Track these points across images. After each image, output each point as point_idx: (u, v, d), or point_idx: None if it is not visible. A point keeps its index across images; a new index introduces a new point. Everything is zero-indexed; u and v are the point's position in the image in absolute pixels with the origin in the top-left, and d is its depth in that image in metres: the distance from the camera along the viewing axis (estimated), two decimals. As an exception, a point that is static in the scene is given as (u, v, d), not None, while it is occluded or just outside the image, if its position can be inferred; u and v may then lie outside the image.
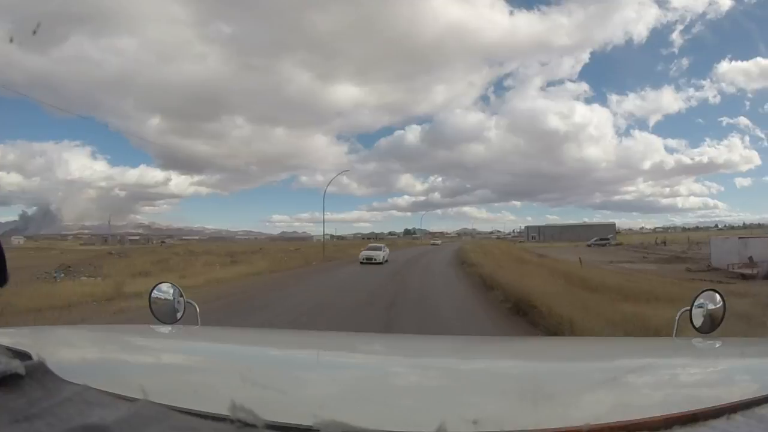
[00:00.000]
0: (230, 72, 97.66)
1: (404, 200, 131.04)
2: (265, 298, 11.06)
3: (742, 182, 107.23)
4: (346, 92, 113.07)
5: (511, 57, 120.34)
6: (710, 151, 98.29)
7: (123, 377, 0.84)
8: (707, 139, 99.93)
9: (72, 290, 12.12)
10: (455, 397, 0.82)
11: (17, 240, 73.96)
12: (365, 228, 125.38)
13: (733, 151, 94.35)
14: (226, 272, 18.55)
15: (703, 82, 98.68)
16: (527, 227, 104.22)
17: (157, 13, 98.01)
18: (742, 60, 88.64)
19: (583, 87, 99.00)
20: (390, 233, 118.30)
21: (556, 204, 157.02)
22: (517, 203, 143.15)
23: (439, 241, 79.82)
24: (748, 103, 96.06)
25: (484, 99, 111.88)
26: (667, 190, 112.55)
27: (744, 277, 19.22)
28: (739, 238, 25.69)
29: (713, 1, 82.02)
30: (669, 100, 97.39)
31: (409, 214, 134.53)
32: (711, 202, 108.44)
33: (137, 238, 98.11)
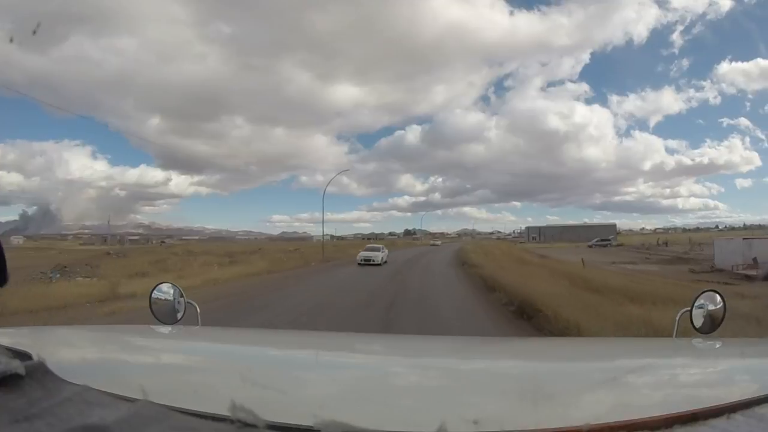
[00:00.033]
0: (230, 72, 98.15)
1: (404, 200, 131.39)
2: (263, 299, 10.95)
3: (742, 183, 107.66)
4: (345, 92, 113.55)
5: (511, 57, 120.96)
6: (711, 152, 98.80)
7: (123, 377, 0.84)
8: (708, 140, 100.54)
9: (66, 291, 12.02)
10: (455, 397, 0.82)
11: (16, 240, 73.98)
12: (365, 228, 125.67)
13: (734, 152, 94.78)
14: (223, 273, 18.44)
15: (704, 83, 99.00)
16: (528, 228, 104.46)
17: (156, 13, 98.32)
18: (742, 61, 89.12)
19: (584, 87, 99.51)
20: (390, 234, 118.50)
21: (556, 204, 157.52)
22: (517, 204, 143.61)
23: (438, 242, 79.41)
24: (748, 104, 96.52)
25: (484, 99, 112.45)
26: (668, 191, 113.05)
27: (749, 278, 19.12)
28: (744, 239, 25.62)
29: (713, 1, 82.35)
30: (669, 100, 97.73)
31: (409, 214, 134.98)
32: (711, 203, 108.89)
33: (137, 238, 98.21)
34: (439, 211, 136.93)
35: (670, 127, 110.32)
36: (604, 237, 63.54)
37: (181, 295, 1.61)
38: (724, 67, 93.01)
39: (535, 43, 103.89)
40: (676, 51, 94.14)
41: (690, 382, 1.01)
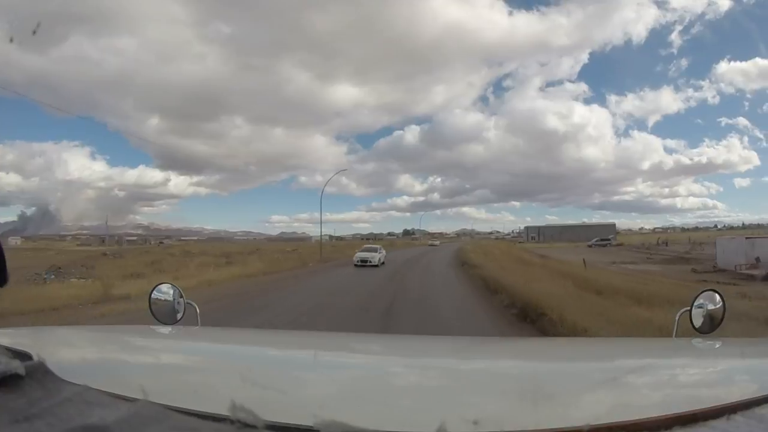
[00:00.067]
0: (229, 72, 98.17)
1: (403, 201, 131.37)
2: (259, 301, 10.79)
3: (741, 182, 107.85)
4: (345, 92, 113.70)
5: (511, 57, 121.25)
6: (709, 152, 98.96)
7: (123, 377, 0.84)
8: (706, 140, 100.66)
9: (59, 292, 11.86)
10: (455, 398, 0.82)
11: (14, 240, 73.81)
12: (364, 228, 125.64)
13: (732, 151, 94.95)
14: (219, 274, 18.24)
15: (702, 83, 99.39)
16: (527, 227, 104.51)
17: (156, 13, 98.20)
18: (740, 60, 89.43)
19: (582, 87, 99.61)
20: (389, 234, 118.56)
21: (555, 204, 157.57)
22: (516, 203, 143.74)
23: (437, 242, 78.63)
24: (747, 103, 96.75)
25: (483, 99, 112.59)
26: (666, 190, 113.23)
27: (752, 278, 18.95)
28: (746, 238, 25.38)
29: (712, 1, 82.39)
30: (668, 100, 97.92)
31: (408, 214, 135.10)
32: (710, 202, 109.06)
33: (135, 238, 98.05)
34: (438, 212, 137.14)
35: (668, 126, 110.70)
36: (603, 237, 63.55)
37: (181, 296, 1.61)
38: (723, 67, 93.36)
39: (534, 43, 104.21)
40: (674, 51, 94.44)
41: (690, 383, 1.01)
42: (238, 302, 10.71)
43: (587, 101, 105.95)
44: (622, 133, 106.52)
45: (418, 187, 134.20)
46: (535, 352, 1.48)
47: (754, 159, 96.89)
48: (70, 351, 1.22)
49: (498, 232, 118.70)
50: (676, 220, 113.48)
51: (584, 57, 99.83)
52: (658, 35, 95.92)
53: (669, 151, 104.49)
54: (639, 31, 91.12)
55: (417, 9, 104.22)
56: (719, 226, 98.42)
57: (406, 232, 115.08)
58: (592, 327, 6.17)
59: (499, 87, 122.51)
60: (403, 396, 0.86)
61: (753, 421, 0.62)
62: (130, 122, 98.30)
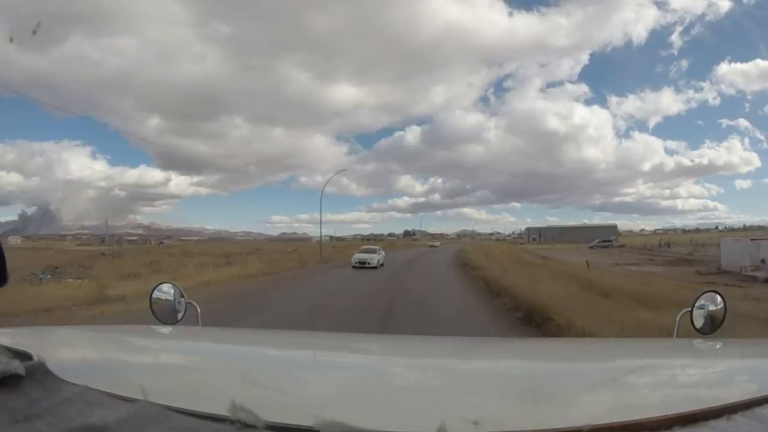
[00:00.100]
0: (229, 72, 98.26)
1: (404, 201, 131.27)
2: (258, 302, 10.67)
3: (741, 184, 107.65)
4: (345, 92, 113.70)
5: (511, 58, 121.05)
6: (710, 153, 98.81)
7: (123, 377, 0.84)
8: (707, 141, 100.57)
9: (53, 293, 11.65)
10: (455, 398, 0.82)
11: (14, 240, 73.81)
12: (365, 229, 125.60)
13: (733, 152, 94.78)
14: (218, 274, 18.05)
15: (703, 84, 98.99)
16: (528, 228, 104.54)
17: (156, 13, 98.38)
18: (741, 62, 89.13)
19: (583, 88, 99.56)
20: (389, 234, 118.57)
21: (555, 205, 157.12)
22: (517, 204, 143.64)
23: (437, 243, 77.92)
24: (747, 104, 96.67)
25: (483, 100, 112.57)
26: (667, 191, 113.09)
27: (758, 280, 18.45)
28: (752, 239, 25.02)
29: (712, 2, 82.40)
30: (668, 101, 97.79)
31: (408, 215, 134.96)
32: (711, 203, 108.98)
33: (135, 238, 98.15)
34: (438, 212, 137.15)
35: (669, 128, 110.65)
36: (605, 238, 63.39)
37: (182, 296, 1.61)
38: (724, 68, 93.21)
39: (535, 43, 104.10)
40: (675, 52, 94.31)
41: (690, 383, 1.01)
42: (236, 303, 10.53)
43: (588, 102, 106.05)
44: (623, 134, 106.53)
45: (419, 187, 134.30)
46: (535, 352, 1.48)
47: (755, 160, 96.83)
48: (70, 351, 1.22)
49: (498, 233, 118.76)
50: (677, 222, 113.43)
51: (584, 58, 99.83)
52: (658, 36, 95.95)
53: (670, 152, 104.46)
54: (639, 32, 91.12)
55: (417, 9, 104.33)
56: (720, 228, 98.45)
57: (407, 233, 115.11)
58: (600, 332, 5.95)
59: (499, 87, 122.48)
60: (403, 396, 0.86)
61: (753, 422, 0.62)
62: (131, 122, 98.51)
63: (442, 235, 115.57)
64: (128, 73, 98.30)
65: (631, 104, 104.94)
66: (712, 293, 1.47)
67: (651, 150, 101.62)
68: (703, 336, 1.40)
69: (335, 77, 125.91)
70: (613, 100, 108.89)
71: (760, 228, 73.39)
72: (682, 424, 0.60)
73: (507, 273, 14.75)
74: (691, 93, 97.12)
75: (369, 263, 22.01)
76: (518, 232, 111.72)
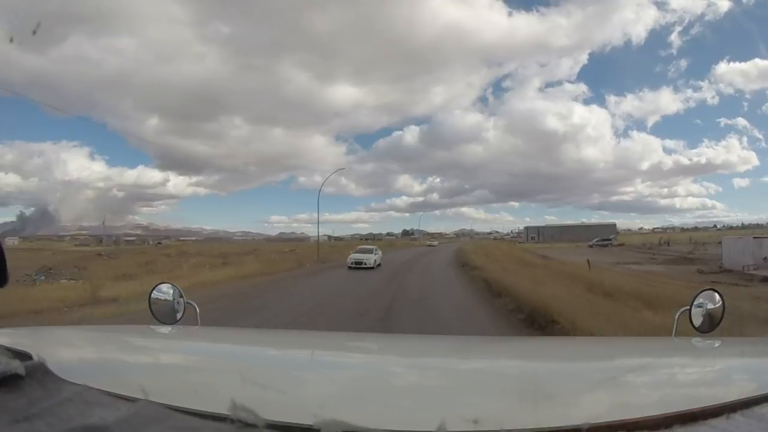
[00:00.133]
0: (229, 72, 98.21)
1: (402, 201, 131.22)
2: (252, 303, 10.51)
3: (740, 183, 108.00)
4: (344, 93, 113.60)
5: (510, 58, 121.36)
6: (708, 152, 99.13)
7: (123, 377, 0.84)
8: (705, 140, 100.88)
9: (46, 294, 11.39)
10: (455, 397, 0.82)
11: (11, 241, 73.42)
12: (363, 229, 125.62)
13: (731, 151, 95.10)
14: (213, 275, 17.77)
15: (701, 83, 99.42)
16: (527, 228, 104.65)
17: (155, 13, 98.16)
18: (740, 61, 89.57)
19: (582, 88, 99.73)
20: (388, 234, 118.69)
21: (554, 204, 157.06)
22: (515, 204, 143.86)
23: (435, 242, 77.09)
24: (746, 104, 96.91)
25: (482, 100, 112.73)
26: (665, 190, 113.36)
27: (762, 279, 18.38)
28: (754, 237, 24.81)
29: (711, 2, 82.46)
30: (667, 101, 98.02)
31: (407, 214, 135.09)
32: (709, 202, 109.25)
33: (133, 239, 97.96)
34: (437, 212, 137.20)
35: (667, 127, 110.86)
36: (604, 237, 63.41)
37: (181, 296, 1.61)
38: (722, 68, 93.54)
39: (534, 44, 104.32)
40: (674, 52, 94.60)
41: (689, 382, 1.01)
42: (232, 304, 10.32)
43: (586, 102, 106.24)
44: (622, 134, 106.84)
45: (418, 187, 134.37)
46: (535, 352, 1.48)
47: (753, 159, 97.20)
48: (70, 351, 1.22)
49: (497, 232, 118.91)
50: (675, 220, 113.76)
51: (584, 58, 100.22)
52: (657, 36, 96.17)
53: (668, 151, 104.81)
54: (638, 32, 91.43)
55: (416, 9, 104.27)
56: (718, 226, 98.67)
57: (406, 233, 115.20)
58: (606, 335, 5.64)
59: (498, 87, 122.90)
60: (403, 395, 0.86)
61: (752, 420, 0.62)
62: (130, 122, 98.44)
63: (440, 234, 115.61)
64: (127, 73, 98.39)
65: (629, 104, 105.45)
66: (710, 291, 1.47)
67: (649, 149, 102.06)
68: (701, 335, 1.40)
69: (335, 77, 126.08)
70: (612, 99, 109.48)
71: (758, 226, 73.59)
72: (682, 423, 0.60)
73: (508, 273, 14.58)
74: (689, 92, 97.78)
75: (365, 264, 21.33)
76: (517, 231, 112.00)
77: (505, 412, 0.70)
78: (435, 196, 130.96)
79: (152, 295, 1.60)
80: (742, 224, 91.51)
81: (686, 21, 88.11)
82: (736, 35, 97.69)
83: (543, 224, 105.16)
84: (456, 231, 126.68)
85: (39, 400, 0.53)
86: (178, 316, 1.58)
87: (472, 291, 13.16)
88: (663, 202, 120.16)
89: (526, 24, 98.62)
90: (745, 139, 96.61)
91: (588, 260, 21.05)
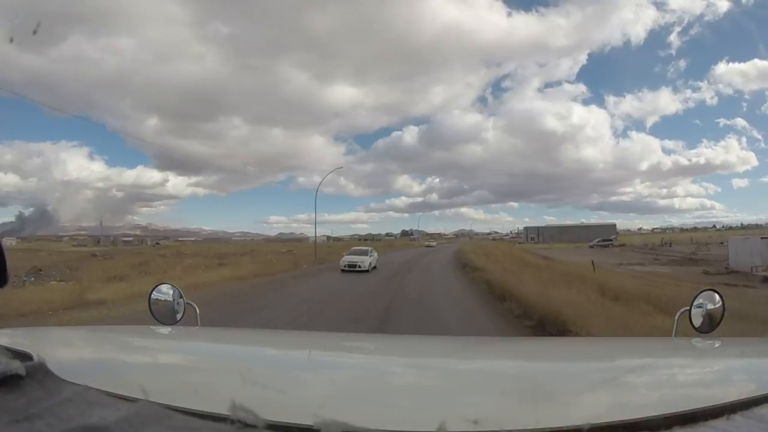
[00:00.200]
0: (228, 72, 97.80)
1: (402, 201, 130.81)
2: (252, 304, 10.38)
3: (739, 183, 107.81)
4: (343, 93, 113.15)
5: (509, 58, 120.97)
6: (707, 152, 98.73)
7: (123, 377, 0.84)
8: (704, 141, 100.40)
9: (32, 296, 10.94)
10: (455, 397, 0.82)
11: (9, 241, 73.12)
12: (363, 229, 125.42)
13: (730, 152, 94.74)
14: (208, 276, 17.42)
15: (701, 84, 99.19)
16: (526, 228, 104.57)
17: (154, 12, 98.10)
18: (739, 61, 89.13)
19: (581, 88, 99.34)
20: (387, 234, 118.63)
21: (553, 205, 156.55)
22: (515, 204, 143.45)
23: (434, 243, 76.12)
24: (745, 104, 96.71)
25: (481, 100, 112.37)
26: (665, 191, 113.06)
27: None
28: (762, 238, 24.15)
29: (711, 2, 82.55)
30: (666, 101, 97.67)
31: (406, 215, 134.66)
32: (708, 203, 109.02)
33: (131, 239, 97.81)
34: (436, 212, 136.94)
35: (666, 127, 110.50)
36: (604, 237, 63.32)
37: (181, 296, 1.61)
38: (721, 68, 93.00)
39: (533, 44, 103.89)
40: (673, 52, 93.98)
41: (689, 382, 1.01)
42: (228, 305, 10.06)
43: (586, 102, 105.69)
44: (621, 134, 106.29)
45: (417, 187, 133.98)
46: (535, 352, 1.48)
47: (752, 160, 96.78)
48: (70, 351, 1.22)
49: (496, 232, 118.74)
50: (674, 221, 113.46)
51: (583, 58, 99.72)
52: (656, 36, 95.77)
53: (667, 151, 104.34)
54: (637, 33, 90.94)
55: (415, 9, 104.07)
56: (718, 227, 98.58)
57: (405, 233, 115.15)
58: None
59: (497, 88, 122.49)
60: (403, 395, 0.86)
61: (752, 421, 0.62)
62: (129, 122, 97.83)
63: (439, 235, 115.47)
64: (126, 73, 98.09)
65: (628, 104, 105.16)
66: (710, 292, 1.47)
67: (648, 149, 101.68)
68: (701, 335, 1.40)
69: (334, 77, 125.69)
70: (611, 100, 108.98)
71: (757, 226, 73.58)
72: (682, 424, 0.60)
73: (510, 275, 14.14)
74: (688, 93, 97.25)
75: (360, 266, 20.10)
76: (516, 231, 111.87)
77: (505, 412, 0.70)
78: (434, 196, 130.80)
79: (152, 295, 1.60)
80: (742, 225, 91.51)
81: (685, 21, 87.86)
82: (735, 35, 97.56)
83: (542, 224, 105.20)
84: (455, 231, 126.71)
85: (39, 400, 0.53)
86: (178, 316, 1.58)
87: (474, 295, 12.66)
88: (662, 202, 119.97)
89: (525, 24, 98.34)
90: (744, 139, 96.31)
91: (593, 261, 20.07)
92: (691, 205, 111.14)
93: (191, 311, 1.60)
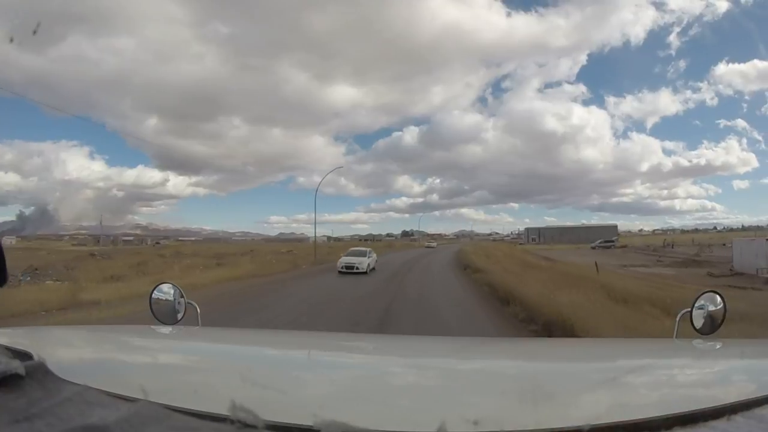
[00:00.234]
0: (227, 72, 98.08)
1: (402, 202, 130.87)
2: (236, 311, 9.97)
3: (739, 184, 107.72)
4: (343, 93, 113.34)
5: (509, 58, 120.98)
6: (708, 154, 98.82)
7: (123, 377, 0.84)
8: (705, 142, 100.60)
9: (26, 296, 10.76)
10: (455, 397, 0.82)
11: (9, 240, 73.07)
12: (363, 229, 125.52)
13: (731, 153, 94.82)
14: (206, 276, 17.12)
15: (701, 84, 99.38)
16: (527, 229, 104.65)
17: (154, 12, 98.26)
18: (739, 62, 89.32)
19: (581, 89, 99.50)
20: (388, 235, 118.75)
21: (553, 206, 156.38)
22: (515, 205, 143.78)
23: (434, 243, 74.87)
24: (745, 105, 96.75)
25: (481, 100, 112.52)
26: (665, 192, 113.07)
27: None
28: (767, 240, 23.63)
29: (710, 3, 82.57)
30: (666, 102, 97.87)
31: (407, 215, 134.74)
32: (709, 204, 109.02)
33: (131, 239, 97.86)
34: (436, 213, 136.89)
35: (667, 128, 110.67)
36: (605, 238, 63.14)
37: (182, 296, 1.61)
38: (721, 69, 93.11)
39: (533, 44, 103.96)
40: (673, 52, 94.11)
41: (690, 383, 1.01)
42: (223, 308, 9.69)
43: (585, 102, 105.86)
44: (621, 135, 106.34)
45: (417, 188, 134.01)
46: (535, 352, 1.48)
47: (753, 161, 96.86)
48: (70, 351, 1.22)
49: (497, 233, 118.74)
50: (675, 222, 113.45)
51: (582, 58, 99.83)
52: (656, 37, 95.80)
53: (667, 152, 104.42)
54: (637, 33, 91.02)
55: (415, 9, 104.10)
56: (718, 228, 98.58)
57: (405, 233, 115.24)
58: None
59: (497, 88, 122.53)
60: (403, 396, 0.86)
61: (753, 422, 0.62)
62: (129, 122, 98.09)
63: (440, 235, 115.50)
64: (126, 73, 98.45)
65: (629, 105, 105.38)
66: (711, 294, 1.48)
67: (649, 150, 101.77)
68: (702, 336, 1.40)
69: (333, 78, 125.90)
70: (611, 100, 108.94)
71: (758, 228, 73.43)
72: (682, 425, 0.60)
73: (513, 276, 13.94)
74: (688, 93, 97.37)
75: (357, 267, 19.44)
76: (516, 232, 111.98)
77: (505, 412, 0.70)
78: (434, 196, 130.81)
79: (153, 295, 1.60)
80: (743, 226, 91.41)
81: (685, 22, 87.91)
82: (735, 36, 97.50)
83: (542, 225, 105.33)
84: (456, 232, 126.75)
85: (39, 400, 0.53)
86: (179, 316, 1.58)
87: (477, 298, 12.39)
88: (663, 203, 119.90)
89: (524, 24, 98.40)
90: (744, 140, 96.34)
91: (596, 263, 19.53)
92: (692, 206, 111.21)
93: (192, 311, 1.60)
